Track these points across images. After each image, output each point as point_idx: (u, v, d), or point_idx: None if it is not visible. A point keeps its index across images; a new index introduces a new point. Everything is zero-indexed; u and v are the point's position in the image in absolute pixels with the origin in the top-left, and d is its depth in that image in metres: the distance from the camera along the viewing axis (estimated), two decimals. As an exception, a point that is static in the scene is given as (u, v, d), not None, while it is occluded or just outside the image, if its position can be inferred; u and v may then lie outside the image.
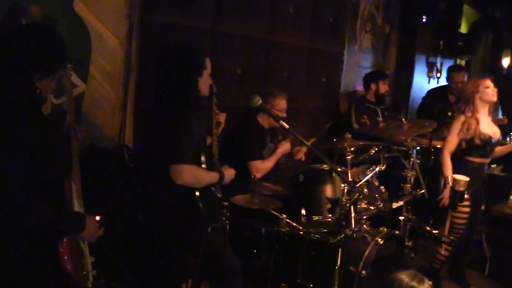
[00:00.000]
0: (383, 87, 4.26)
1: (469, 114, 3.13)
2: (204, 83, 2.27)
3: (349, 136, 3.01)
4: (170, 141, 2.11)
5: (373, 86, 4.27)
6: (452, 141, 3.17)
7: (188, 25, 3.18)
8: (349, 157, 2.80)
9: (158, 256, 2.41)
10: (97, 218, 1.82)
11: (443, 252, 3.34)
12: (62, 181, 1.74)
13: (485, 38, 6.87)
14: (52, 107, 2.46)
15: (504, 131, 4.64)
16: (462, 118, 3.14)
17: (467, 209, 3.18)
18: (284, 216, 2.56)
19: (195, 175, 2.14)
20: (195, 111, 2.23)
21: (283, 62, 4.02)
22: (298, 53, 4.17)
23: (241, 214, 2.81)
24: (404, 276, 1.70)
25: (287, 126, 2.01)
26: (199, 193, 2.17)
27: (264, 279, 2.79)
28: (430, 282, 1.75)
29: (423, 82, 5.95)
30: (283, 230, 2.56)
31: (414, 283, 1.66)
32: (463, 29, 6.31)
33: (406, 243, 3.76)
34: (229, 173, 2.32)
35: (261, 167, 3.09)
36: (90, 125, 2.76)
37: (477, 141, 3.10)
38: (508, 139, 3.49)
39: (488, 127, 3.18)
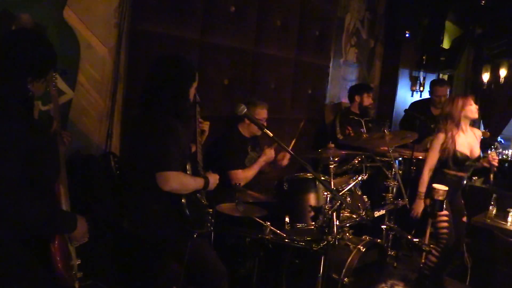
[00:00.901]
0: (367, 100, 4.36)
1: (449, 133, 3.26)
2: (192, 93, 2.34)
3: (332, 145, 3.08)
4: (157, 148, 2.14)
5: (357, 98, 4.36)
6: (432, 158, 3.34)
7: (177, 35, 3.24)
8: (332, 166, 2.86)
9: (143, 262, 2.43)
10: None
11: (432, 259, 3.42)
12: (54, 183, 1.77)
13: (466, 54, 7.06)
14: (39, 114, 2.48)
15: (485, 144, 4.77)
16: (441, 136, 3.28)
17: (447, 218, 3.29)
18: (268, 223, 2.61)
19: (181, 181, 2.18)
20: (181, 119, 2.28)
21: (269, 74, 4.09)
22: (284, 65, 4.25)
23: (226, 222, 2.84)
24: None
25: (271, 134, 2.07)
26: (185, 200, 2.21)
27: (248, 286, 2.82)
28: None
29: (406, 96, 6.08)
30: (267, 237, 2.60)
31: None
32: (446, 44, 6.48)
33: (389, 253, 3.83)
34: (214, 178, 2.36)
35: (242, 176, 3.12)
36: (77, 132, 2.78)
37: (455, 158, 3.27)
38: (489, 152, 3.60)
39: (466, 145, 3.33)
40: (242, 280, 2.94)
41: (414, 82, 6.24)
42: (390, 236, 3.74)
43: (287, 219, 2.75)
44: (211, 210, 2.42)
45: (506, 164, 6.51)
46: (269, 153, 3.26)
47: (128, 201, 2.44)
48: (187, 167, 2.24)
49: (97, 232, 2.32)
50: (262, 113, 3.38)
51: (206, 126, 2.54)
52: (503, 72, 6.50)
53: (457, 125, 3.28)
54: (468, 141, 3.36)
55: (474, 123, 3.83)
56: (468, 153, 3.33)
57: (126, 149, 2.95)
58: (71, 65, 2.73)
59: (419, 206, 3.33)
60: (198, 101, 2.44)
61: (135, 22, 2.99)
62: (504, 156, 6.86)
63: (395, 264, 3.98)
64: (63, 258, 1.70)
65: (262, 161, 3.25)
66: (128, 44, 3.00)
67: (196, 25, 3.38)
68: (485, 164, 3.49)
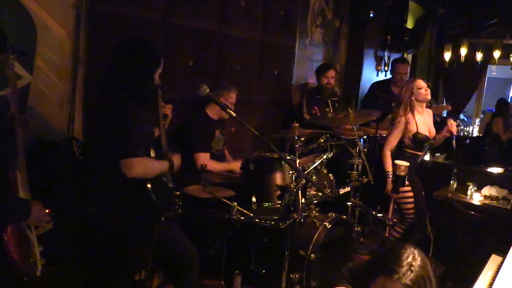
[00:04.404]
0: (333, 79, 4.40)
1: (407, 117, 3.35)
2: (156, 78, 2.31)
3: (297, 125, 3.11)
4: (120, 134, 2.10)
5: (323, 78, 4.40)
6: (392, 141, 3.43)
7: (139, 16, 3.17)
8: (298, 145, 2.90)
9: (110, 248, 2.41)
10: (46, 211, 1.81)
11: (395, 234, 3.53)
12: (5, 171, 1.72)
13: (429, 34, 7.20)
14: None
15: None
16: (402, 120, 3.36)
17: (411, 194, 3.42)
18: (235, 204, 2.63)
19: (146, 166, 2.16)
20: (144, 104, 2.24)
21: (235, 55, 4.07)
22: (250, 46, 4.23)
23: (193, 204, 2.85)
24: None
25: (234, 114, 2.07)
26: (151, 184, 2.19)
27: (217, 267, 2.86)
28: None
29: (372, 75, 6.18)
30: (234, 217, 2.62)
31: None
32: (409, 24, 6.59)
33: (356, 229, 3.94)
34: (177, 160, 2.35)
35: (208, 161, 3.13)
36: (37, 117, 2.70)
37: (416, 139, 3.37)
38: (447, 121, 3.68)
39: (424, 126, 3.43)
40: (212, 261, 2.98)
41: (379, 62, 6.34)
42: (356, 212, 3.85)
43: (254, 199, 2.78)
44: (178, 193, 2.42)
45: (467, 141, 6.77)
46: (235, 167, 3.28)
47: (93, 186, 2.41)
48: (151, 152, 2.21)
49: (61, 219, 2.29)
50: (232, 97, 3.39)
51: (168, 110, 2.50)
52: (463, 51, 6.68)
53: (411, 109, 3.38)
54: (426, 122, 3.48)
55: (437, 101, 3.96)
56: (427, 133, 3.45)
57: (89, 133, 2.90)
58: (27, 48, 2.62)
59: (390, 185, 3.41)
60: (159, 84, 2.40)
61: (95, 3, 2.90)
62: (465, 133, 7.15)
63: (361, 240, 4.10)
64: (18, 246, 1.66)
65: (227, 169, 3.28)
66: (87, 26, 2.91)
67: (158, 5, 3.31)
68: (446, 134, 3.59)
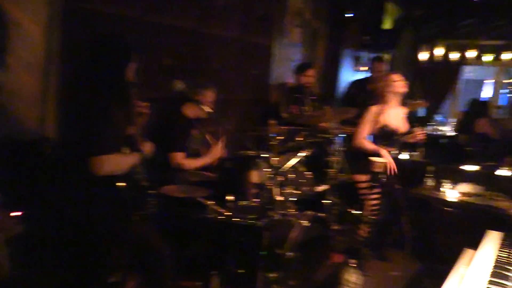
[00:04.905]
0: (311, 78, 4.42)
1: (379, 108, 3.39)
2: (130, 74, 2.27)
3: (274, 122, 3.11)
4: (90, 132, 2.07)
5: (301, 77, 4.42)
6: (364, 130, 3.44)
7: (116, 13, 3.12)
8: (275, 143, 2.90)
9: (82, 249, 2.36)
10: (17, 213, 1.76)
11: (362, 232, 3.56)
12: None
13: (406, 34, 7.31)
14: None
15: (423, 121, 4.99)
16: (372, 109, 3.41)
17: (379, 190, 3.45)
18: (211, 203, 2.61)
19: (116, 163, 2.12)
20: (117, 100, 2.21)
21: (213, 54, 4.05)
22: (228, 45, 4.22)
23: (169, 203, 2.82)
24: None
25: (209, 110, 2.06)
26: (123, 183, 2.16)
27: (194, 268, 2.83)
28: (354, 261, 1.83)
29: (350, 75, 6.23)
30: (210, 217, 2.61)
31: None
32: (387, 25, 6.67)
33: (334, 227, 3.96)
34: (148, 147, 2.31)
35: (184, 161, 3.10)
36: (8, 116, 2.64)
37: (383, 132, 3.42)
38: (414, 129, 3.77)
39: (394, 120, 3.46)
40: (188, 262, 2.94)
41: (357, 62, 6.40)
42: (334, 210, 3.86)
43: (230, 198, 2.76)
44: (152, 191, 2.39)
45: (443, 140, 6.94)
46: (217, 151, 3.23)
47: (65, 186, 2.36)
48: (124, 150, 2.18)
49: (33, 220, 2.24)
50: (209, 95, 3.36)
51: (144, 108, 2.47)
52: (439, 52, 6.80)
53: (385, 100, 3.41)
54: (396, 116, 3.52)
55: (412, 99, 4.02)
56: (396, 127, 3.49)
57: (62, 132, 2.84)
58: (-2, 45, 2.56)
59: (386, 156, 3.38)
60: (135, 82, 2.37)
61: (71, -1, 2.85)
62: (440, 132, 7.33)
63: (339, 238, 4.12)
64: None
65: (207, 159, 3.22)
66: (62, 23, 2.85)
67: (136, 3, 3.27)
68: (411, 140, 3.66)
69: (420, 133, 3.57)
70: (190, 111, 3.34)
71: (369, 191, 3.30)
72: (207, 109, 2.13)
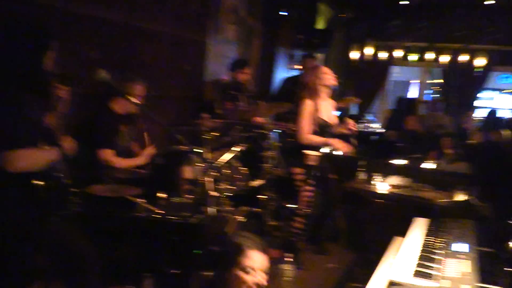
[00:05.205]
0: (246, 75, 4.39)
1: (311, 100, 3.44)
2: (49, 64, 2.10)
3: (207, 116, 3.04)
4: (0, 124, 1.88)
5: (236, 74, 4.38)
6: (306, 125, 3.48)
7: (37, 2, 2.90)
8: (208, 138, 2.82)
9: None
10: None
11: (297, 225, 3.58)
12: None
13: (338, 34, 7.54)
14: None
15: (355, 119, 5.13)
16: (308, 102, 3.45)
17: (313, 183, 3.50)
18: (142, 201, 2.49)
19: (31, 158, 1.93)
20: (32, 91, 2.03)
21: (144, 48, 3.90)
22: (160, 40, 4.09)
23: (97, 203, 2.65)
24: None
25: (138, 101, 1.94)
26: (40, 180, 1.98)
27: (125, 271, 2.68)
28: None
29: (284, 73, 6.29)
30: (140, 215, 2.48)
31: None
32: (320, 25, 6.83)
33: (271, 223, 3.96)
34: (69, 143, 2.14)
35: (112, 158, 2.96)
36: None
37: (316, 123, 3.47)
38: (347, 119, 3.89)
39: (325, 112, 3.54)
40: (119, 265, 2.79)
41: (292, 61, 6.48)
42: (271, 206, 3.86)
43: (162, 195, 2.65)
44: (76, 190, 2.22)
45: (373, 137, 7.26)
46: (150, 150, 3.10)
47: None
48: (41, 142, 2.00)
49: None
50: (138, 89, 3.22)
51: (64, 92, 2.25)
52: (368, 51, 7.06)
53: (316, 92, 3.47)
54: (326, 108, 3.59)
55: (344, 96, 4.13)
56: (327, 119, 3.57)
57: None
58: None
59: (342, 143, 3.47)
60: (54, 72, 2.19)
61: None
62: (371, 129, 7.70)
63: (275, 234, 4.12)
64: None
65: (140, 159, 3.10)
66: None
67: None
68: (344, 131, 3.76)
69: (352, 124, 3.66)
70: (118, 106, 3.19)
71: (304, 184, 3.31)
72: (135, 101, 2.01)
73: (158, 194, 2.65)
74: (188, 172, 2.73)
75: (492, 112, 6.33)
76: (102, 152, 2.93)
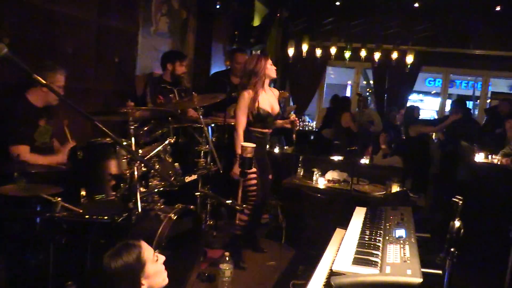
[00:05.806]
0: (180, 68, 4.16)
1: (252, 90, 3.34)
2: None
3: (131, 103, 2.79)
4: None
5: (169, 66, 4.13)
6: (241, 117, 3.37)
7: None
8: (137, 131, 2.58)
9: None
10: None
11: (243, 217, 3.46)
12: None
13: (274, 31, 7.52)
14: None
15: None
16: (245, 94, 3.35)
17: (255, 175, 3.41)
18: (59, 199, 2.21)
19: None
20: None
21: (66, 36, 3.56)
22: (84, 28, 3.76)
23: (8, 204, 2.33)
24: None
25: (59, 92, 1.68)
26: None
27: (44, 280, 2.38)
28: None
29: (220, 69, 6.11)
30: (58, 216, 2.20)
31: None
32: (256, 22, 6.75)
33: (209, 222, 3.77)
34: None
35: (28, 156, 2.66)
36: None
37: (258, 115, 3.38)
38: (290, 114, 3.85)
39: (267, 102, 3.47)
40: (37, 272, 2.47)
41: (228, 57, 6.32)
42: (208, 206, 3.68)
43: (83, 192, 2.38)
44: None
45: (311, 136, 7.37)
46: (62, 159, 2.82)
47: None
48: None
49: None
50: (60, 80, 2.90)
51: None
52: (305, 47, 7.08)
53: (262, 82, 3.39)
54: (268, 99, 3.52)
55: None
56: (269, 109, 3.48)
57: None
58: None
59: (238, 168, 3.28)
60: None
61: None
62: (309, 129, 7.84)
63: (214, 233, 3.95)
64: None
65: (59, 156, 2.84)
66: None
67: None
68: (286, 125, 3.71)
69: (293, 117, 3.61)
70: (36, 97, 2.86)
71: (242, 179, 3.16)
72: (58, 90, 1.74)
73: (79, 192, 2.37)
74: (112, 166, 2.46)
75: (410, 109, 6.59)
76: (17, 148, 2.60)
